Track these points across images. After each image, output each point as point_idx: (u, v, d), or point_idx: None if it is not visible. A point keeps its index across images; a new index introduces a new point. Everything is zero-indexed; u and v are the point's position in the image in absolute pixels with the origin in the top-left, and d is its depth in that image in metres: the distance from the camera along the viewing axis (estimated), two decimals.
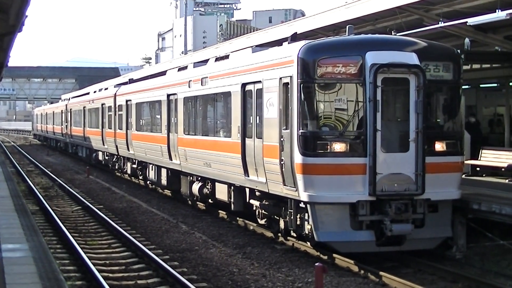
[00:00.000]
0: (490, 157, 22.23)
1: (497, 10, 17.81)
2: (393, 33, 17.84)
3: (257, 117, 17.66)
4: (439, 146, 15.91)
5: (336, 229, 15.27)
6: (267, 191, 17.27)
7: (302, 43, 15.94)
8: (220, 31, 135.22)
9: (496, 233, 16.37)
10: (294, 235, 17.18)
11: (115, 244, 18.37)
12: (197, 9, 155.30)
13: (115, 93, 36.20)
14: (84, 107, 46.60)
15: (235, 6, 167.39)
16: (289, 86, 15.81)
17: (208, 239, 18.82)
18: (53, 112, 66.83)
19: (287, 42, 17.47)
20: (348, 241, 15.23)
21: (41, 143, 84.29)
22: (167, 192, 29.08)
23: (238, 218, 21.33)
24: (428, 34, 20.80)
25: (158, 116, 27.30)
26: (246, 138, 18.38)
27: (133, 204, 26.54)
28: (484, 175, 22.69)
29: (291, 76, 15.70)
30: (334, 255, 15.97)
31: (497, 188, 19.28)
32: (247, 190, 18.93)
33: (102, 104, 39.57)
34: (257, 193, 18.30)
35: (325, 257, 16.27)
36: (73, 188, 31.71)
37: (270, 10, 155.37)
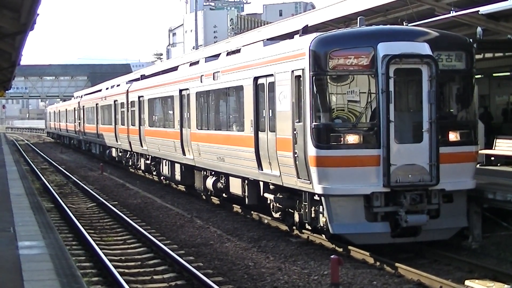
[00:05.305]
0: (504, 146, 22.12)
1: None
2: (404, 24, 17.74)
3: (270, 111, 17.66)
4: (453, 136, 15.85)
5: (351, 221, 15.26)
6: (281, 184, 17.26)
7: (313, 35, 15.91)
8: (230, 25, 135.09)
9: (511, 222, 16.30)
10: (309, 228, 17.18)
11: (131, 240, 18.43)
12: (207, 3, 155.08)
13: (127, 90, 36.27)
14: (96, 104, 46.71)
15: (245, 0, 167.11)
16: (301, 78, 15.79)
17: (223, 233, 18.84)
18: (66, 109, 67.03)
19: (298, 35, 17.45)
20: (363, 233, 15.21)
21: (54, 141, 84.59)
22: (181, 187, 29.13)
23: (252, 212, 21.34)
24: (439, 24, 20.68)
25: (171, 112, 27.33)
26: (259, 132, 18.38)
27: (147, 200, 26.60)
28: (498, 164, 22.61)
29: (303, 69, 15.68)
30: (350, 247, 15.95)
31: None
32: (261, 183, 18.93)
33: (114, 101, 39.65)
34: (271, 187, 18.30)
35: (341, 249, 16.26)
36: (87, 185, 31.82)
37: (280, 3, 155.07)
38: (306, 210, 16.30)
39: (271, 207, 18.66)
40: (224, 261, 15.54)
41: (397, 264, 14.47)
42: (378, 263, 15.00)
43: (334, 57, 15.27)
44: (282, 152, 16.84)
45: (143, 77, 39.12)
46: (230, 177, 21.34)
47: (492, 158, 22.80)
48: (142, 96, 32.51)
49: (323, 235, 16.70)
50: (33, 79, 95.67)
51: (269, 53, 18.04)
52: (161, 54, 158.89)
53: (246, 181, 20.05)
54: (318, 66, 15.37)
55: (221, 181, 22.25)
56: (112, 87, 45.93)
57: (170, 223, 20.99)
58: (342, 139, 15.23)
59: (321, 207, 15.62)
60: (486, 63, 26.22)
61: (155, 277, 14.26)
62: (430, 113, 15.31)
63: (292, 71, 16.20)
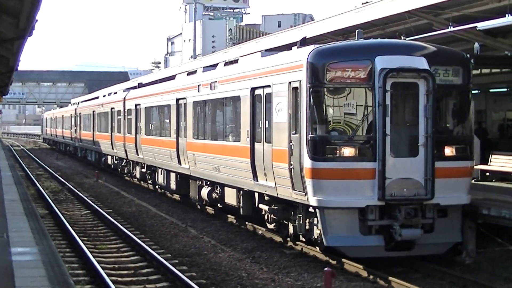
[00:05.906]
0: (500, 162, 22.17)
1: (507, 15, 17.77)
2: (402, 38, 17.78)
3: (266, 122, 17.66)
4: (449, 151, 15.87)
5: (345, 233, 15.25)
6: (276, 195, 17.26)
7: (311, 47, 15.93)
8: (229, 35, 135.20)
9: (505, 238, 16.31)
10: (303, 239, 17.16)
11: (124, 248, 18.39)
12: (206, 13, 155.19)
13: (125, 97, 36.27)
14: (93, 111, 46.69)
15: (244, 10, 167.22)
16: (298, 90, 15.81)
17: (217, 244, 18.81)
18: (63, 116, 67.00)
19: (296, 47, 17.47)
20: (357, 246, 15.20)
21: (50, 147, 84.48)
22: (176, 196, 29.10)
23: (247, 223, 21.32)
24: (437, 39, 20.73)
25: (167, 120, 27.32)
26: (255, 143, 18.38)
27: (142, 208, 26.56)
28: (494, 180, 22.63)
29: (300, 81, 15.70)
30: (343, 259, 15.94)
31: (506, 193, 19.21)
32: (256, 194, 18.92)
33: (111, 108, 39.64)
34: (266, 198, 18.29)
35: (334, 262, 16.24)
36: (82, 192, 31.77)
37: (279, 14, 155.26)
38: (301, 222, 16.28)
39: (266, 218, 18.64)
40: (218, 271, 15.51)
41: (390, 278, 14.46)
42: (371, 277, 14.98)
43: (332, 69, 15.29)
44: (277, 163, 16.84)
45: (141, 85, 39.12)
46: (225, 187, 21.32)
47: (488, 174, 22.83)
48: (139, 104, 32.51)
49: (317, 247, 16.69)
50: (31, 84, 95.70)
51: (266, 64, 18.06)
52: (159, 63, 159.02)
53: (241, 192, 20.04)
54: (315, 78, 15.39)
55: (216, 191, 22.24)
56: (109, 94, 45.93)
57: (164, 232, 20.95)
58: (338, 151, 15.23)
59: (315, 219, 15.61)
60: (483, 78, 26.29)
61: (148, 286, 14.22)
62: (426, 128, 15.32)
63: (290, 83, 16.22)
